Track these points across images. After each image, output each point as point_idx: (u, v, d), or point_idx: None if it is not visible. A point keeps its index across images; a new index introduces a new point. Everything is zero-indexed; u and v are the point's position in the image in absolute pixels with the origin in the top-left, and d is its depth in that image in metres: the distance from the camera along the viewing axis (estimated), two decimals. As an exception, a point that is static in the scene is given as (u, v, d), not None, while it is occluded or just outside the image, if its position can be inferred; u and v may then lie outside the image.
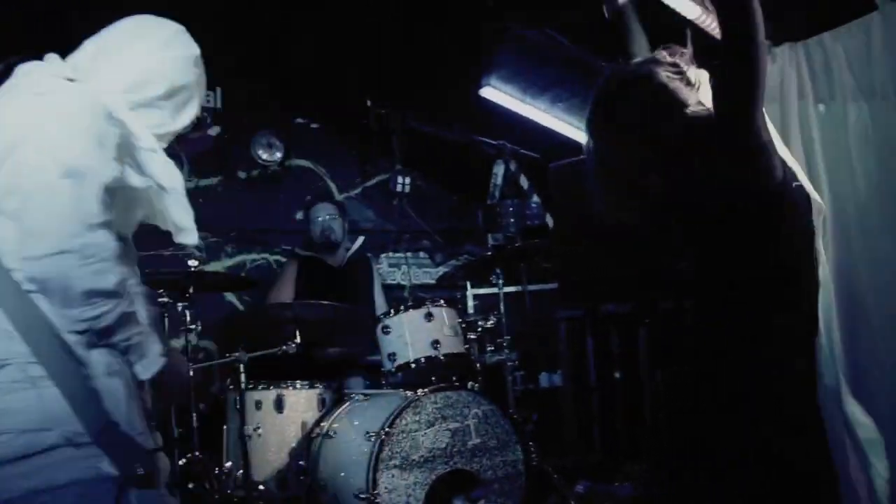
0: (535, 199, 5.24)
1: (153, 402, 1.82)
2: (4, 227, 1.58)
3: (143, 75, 1.80)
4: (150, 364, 1.71)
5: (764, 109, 1.78)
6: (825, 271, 2.62)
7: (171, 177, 1.81)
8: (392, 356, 3.82)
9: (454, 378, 3.93)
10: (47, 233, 1.54)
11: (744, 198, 1.77)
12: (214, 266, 5.08)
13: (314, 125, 5.58)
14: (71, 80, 1.75)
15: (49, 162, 1.56)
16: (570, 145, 4.72)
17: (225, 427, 3.86)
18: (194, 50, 1.90)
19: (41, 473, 1.56)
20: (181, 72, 1.85)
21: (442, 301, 3.98)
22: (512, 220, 5.06)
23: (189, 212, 1.86)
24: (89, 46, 1.84)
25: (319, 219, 4.86)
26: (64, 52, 1.82)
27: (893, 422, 2.75)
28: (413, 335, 3.81)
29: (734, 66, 1.72)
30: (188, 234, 1.88)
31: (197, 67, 1.90)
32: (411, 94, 4.88)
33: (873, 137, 2.90)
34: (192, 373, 3.77)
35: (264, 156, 5.27)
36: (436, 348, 3.76)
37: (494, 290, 4.54)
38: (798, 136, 3.04)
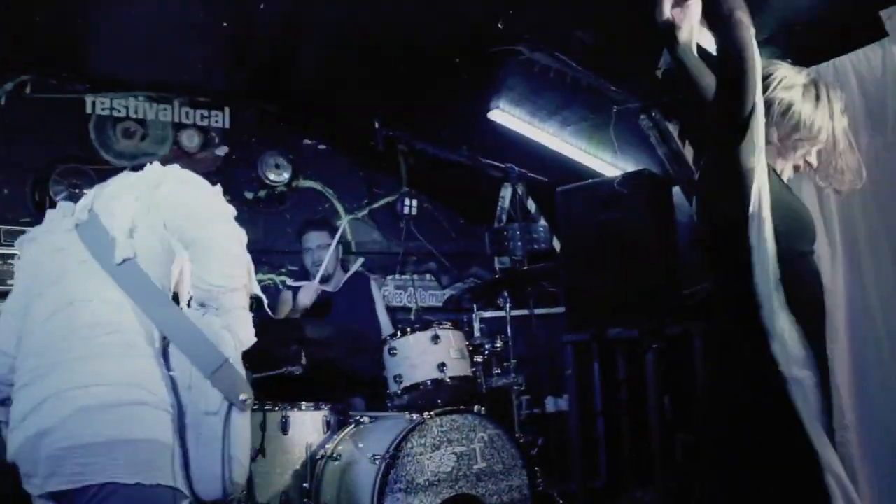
0: (543, 222, 5.24)
1: None
2: None
3: None
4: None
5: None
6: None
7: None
8: (398, 378, 3.80)
9: (460, 401, 3.90)
10: None
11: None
12: (220, 286, 5.05)
13: (322, 146, 5.60)
14: None
15: None
16: (577, 169, 4.72)
17: (229, 447, 3.82)
18: None
19: (123, 425, 1.85)
20: None
21: (449, 324, 3.97)
22: (519, 243, 5.03)
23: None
24: None
25: (310, 248, 4.78)
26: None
27: None
28: (419, 357, 3.79)
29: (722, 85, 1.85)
30: None
31: None
32: (419, 116, 4.89)
33: (886, 165, 2.89)
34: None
35: (272, 176, 5.28)
36: (442, 371, 3.74)
37: (501, 313, 4.53)
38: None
